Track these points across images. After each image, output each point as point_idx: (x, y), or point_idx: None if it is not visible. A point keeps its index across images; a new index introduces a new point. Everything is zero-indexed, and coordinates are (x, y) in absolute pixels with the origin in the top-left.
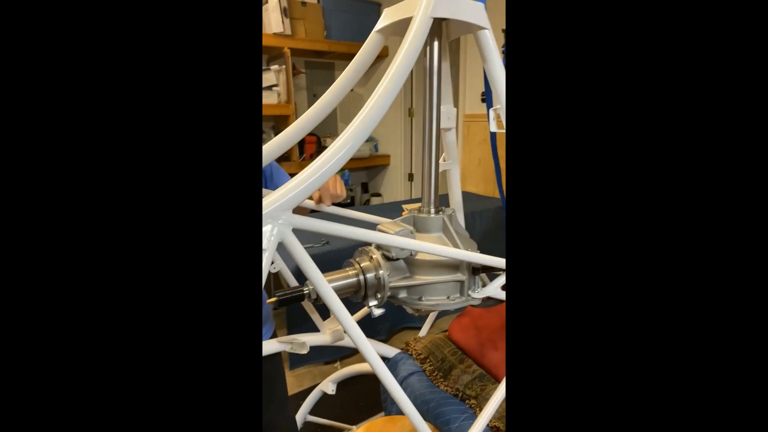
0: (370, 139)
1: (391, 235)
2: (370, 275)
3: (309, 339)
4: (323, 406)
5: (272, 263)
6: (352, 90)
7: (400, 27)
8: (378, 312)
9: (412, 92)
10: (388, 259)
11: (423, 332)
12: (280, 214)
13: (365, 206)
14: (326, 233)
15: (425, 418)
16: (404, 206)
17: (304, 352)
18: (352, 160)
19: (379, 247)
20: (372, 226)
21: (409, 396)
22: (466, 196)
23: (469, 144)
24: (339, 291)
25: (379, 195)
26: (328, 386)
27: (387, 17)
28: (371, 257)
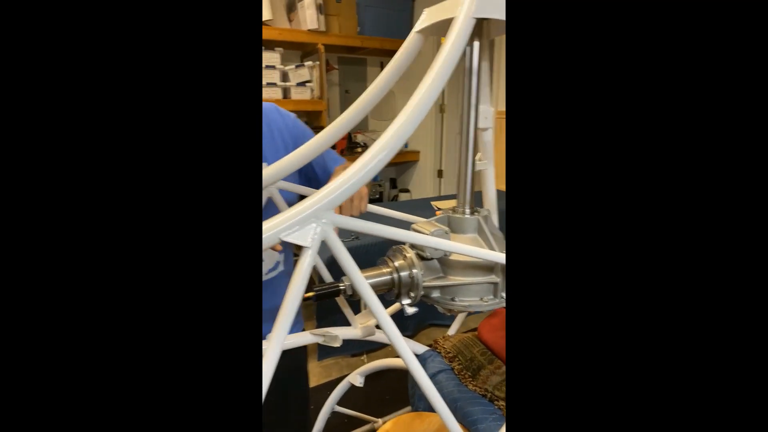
0: None
1: (425, 235)
2: (404, 274)
3: (340, 333)
4: (349, 397)
5: None
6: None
7: (441, 27)
8: (411, 311)
9: (444, 89)
10: (422, 258)
11: (452, 331)
12: (323, 214)
13: (393, 202)
14: (366, 232)
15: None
16: (434, 203)
17: (337, 345)
18: None
19: (413, 246)
20: (406, 225)
21: None
22: (500, 195)
23: (502, 142)
24: (373, 288)
25: (407, 191)
26: (357, 378)
27: (428, 18)
28: (405, 256)
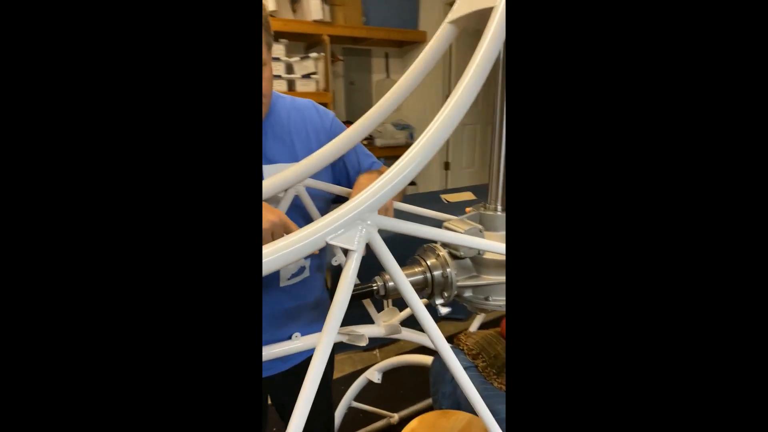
0: (405, 127)
1: (461, 234)
2: (437, 273)
3: (364, 331)
4: (363, 392)
5: (334, 256)
6: (388, 76)
7: (477, 17)
8: (445, 311)
9: (450, 78)
10: (455, 257)
11: (473, 328)
12: (368, 216)
13: None
14: (409, 233)
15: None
16: (443, 196)
17: (363, 344)
18: (386, 148)
19: (445, 244)
20: (434, 222)
21: (461, 391)
22: None
23: None
24: None
25: (414, 183)
26: (374, 375)
27: (462, 7)
28: (438, 255)
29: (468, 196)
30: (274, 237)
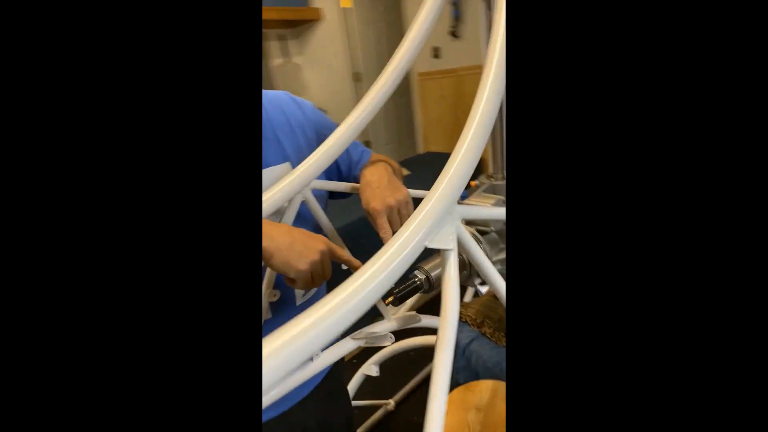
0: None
1: (488, 208)
2: None
3: (380, 329)
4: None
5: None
6: (288, 60)
7: None
8: (485, 289)
9: (359, 57)
10: (483, 233)
11: (468, 298)
12: (452, 208)
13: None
14: (492, 218)
15: (502, 379)
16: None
17: (388, 343)
18: None
19: (470, 222)
20: None
21: (476, 361)
22: (433, 157)
23: (424, 103)
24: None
25: None
26: (371, 369)
27: None
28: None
29: (403, 171)
30: (323, 267)
